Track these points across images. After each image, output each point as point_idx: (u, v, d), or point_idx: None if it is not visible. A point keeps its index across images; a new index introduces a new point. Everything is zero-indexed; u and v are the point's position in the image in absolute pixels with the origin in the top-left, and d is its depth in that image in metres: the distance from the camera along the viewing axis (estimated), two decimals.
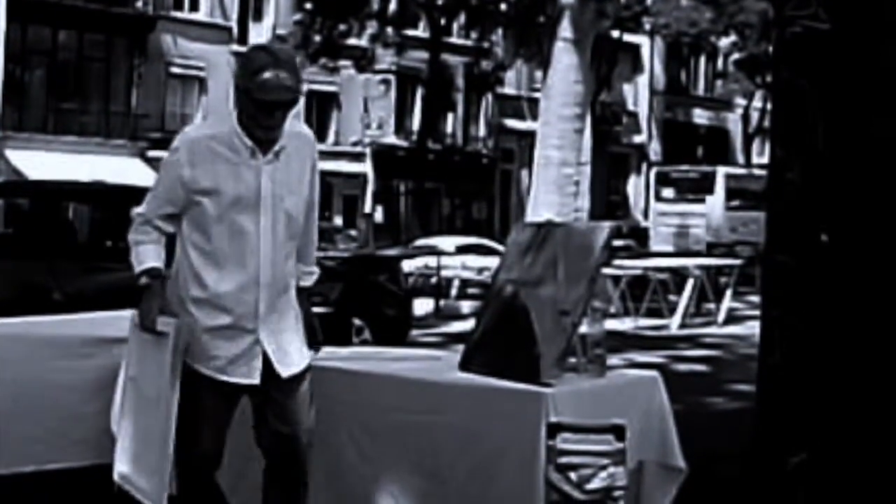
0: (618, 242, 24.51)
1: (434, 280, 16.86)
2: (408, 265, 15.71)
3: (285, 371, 3.41)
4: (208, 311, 3.41)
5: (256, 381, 3.39)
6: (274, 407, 3.44)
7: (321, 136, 38.86)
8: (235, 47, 34.99)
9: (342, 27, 29.47)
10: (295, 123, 3.50)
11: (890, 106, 4.06)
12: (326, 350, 3.74)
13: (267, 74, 3.25)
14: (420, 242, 22.83)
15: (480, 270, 16.87)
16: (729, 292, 14.91)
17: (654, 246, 25.30)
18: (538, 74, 26.42)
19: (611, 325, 8.28)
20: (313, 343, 3.60)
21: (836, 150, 4.11)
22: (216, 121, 3.50)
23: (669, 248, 24.05)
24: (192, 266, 3.44)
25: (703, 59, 44.92)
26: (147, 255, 3.51)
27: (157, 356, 3.46)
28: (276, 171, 3.40)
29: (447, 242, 22.20)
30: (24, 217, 9.51)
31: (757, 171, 25.14)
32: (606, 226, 3.71)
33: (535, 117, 17.16)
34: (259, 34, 34.64)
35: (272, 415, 3.44)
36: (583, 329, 3.62)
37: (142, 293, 3.50)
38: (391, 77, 36.84)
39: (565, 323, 3.53)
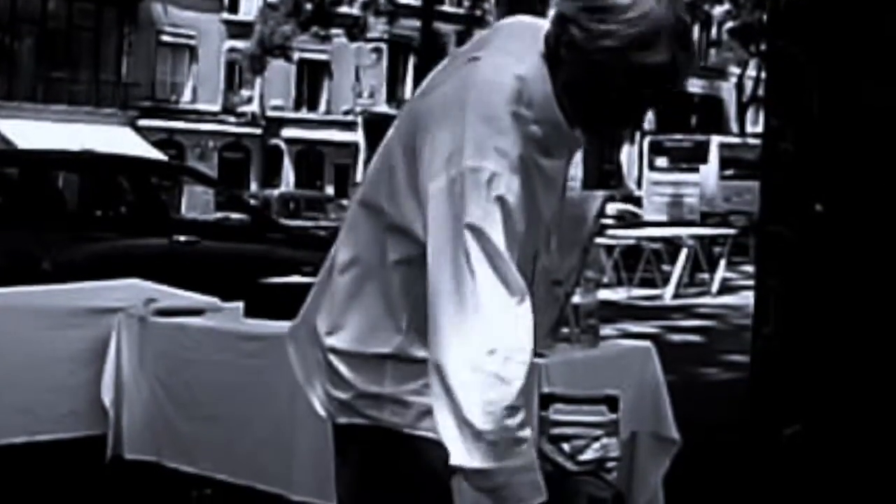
0: (613, 211, 24.50)
1: None
2: None
3: None
4: None
5: None
6: None
7: (312, 104, 38.76)
8: (226, 15, 34.78)
9: None
10: None
11: (885, 74, 4.03)
12: None
13: (669, 50, 1.71)
14: None
15: None
16: (723, 262, 14.88)
17: (648, 215, 25.26)
18: None
19: (604, 295, 8.26)
20: None
21: (830, 119, 4.08)
22: (528, 86, 1.76)
23: (663, 218, 24.01)
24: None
25: (696, 28, 44.75)
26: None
27: None
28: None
29: None
30: (13, 186, 9.43)
31: (751, 141, 25.07)
32: (599, 195, 3.68)
33: None
34: (249, 2, 34.42)
35: None
36: (576, 299, 3.60)
37: None
38: (383, 45, 36.70)
39: (558, 293, 3.50)
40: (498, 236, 1.69)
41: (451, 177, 1.70)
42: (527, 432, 1.73)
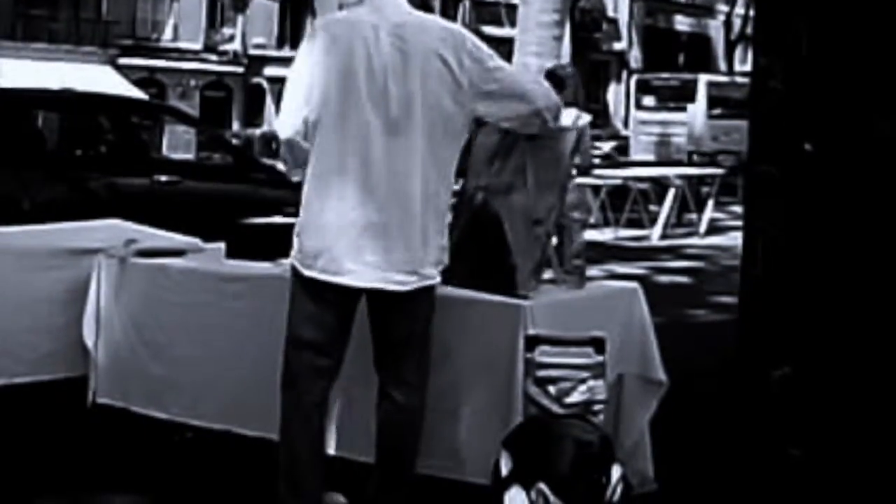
0: (599, 150, 24.39)
1: None
2: None
3: None
4: None
5: None
6: None
7: (295, 42, 38.32)
8: None
9: None
10: None
11: (874, 10, 3.96)
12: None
13: None
14: None
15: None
16: (711, 202, 14.85)
17: (635, 155, 25.20)
18: None
19: (590, 235, 8.23)
20: None
21: (819, 57, 4.02)
22: None
23: (650, 158, 23.95)
24: None
25: None
26: None
27: None
28: None
29: None
30: None
31: (739, 79, 24.93)
32: (573, 129, 3.63)
33: (512, 24, 16.89)
34: None
35: None
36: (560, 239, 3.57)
37: None
38: None
39: (538, 232, 3.46)
40: None
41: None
42: None
